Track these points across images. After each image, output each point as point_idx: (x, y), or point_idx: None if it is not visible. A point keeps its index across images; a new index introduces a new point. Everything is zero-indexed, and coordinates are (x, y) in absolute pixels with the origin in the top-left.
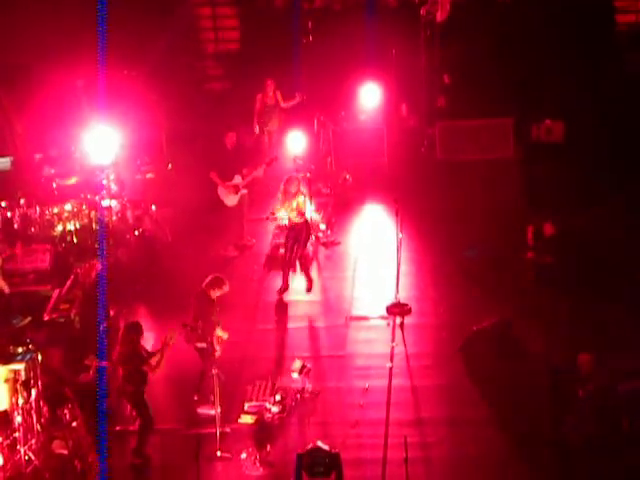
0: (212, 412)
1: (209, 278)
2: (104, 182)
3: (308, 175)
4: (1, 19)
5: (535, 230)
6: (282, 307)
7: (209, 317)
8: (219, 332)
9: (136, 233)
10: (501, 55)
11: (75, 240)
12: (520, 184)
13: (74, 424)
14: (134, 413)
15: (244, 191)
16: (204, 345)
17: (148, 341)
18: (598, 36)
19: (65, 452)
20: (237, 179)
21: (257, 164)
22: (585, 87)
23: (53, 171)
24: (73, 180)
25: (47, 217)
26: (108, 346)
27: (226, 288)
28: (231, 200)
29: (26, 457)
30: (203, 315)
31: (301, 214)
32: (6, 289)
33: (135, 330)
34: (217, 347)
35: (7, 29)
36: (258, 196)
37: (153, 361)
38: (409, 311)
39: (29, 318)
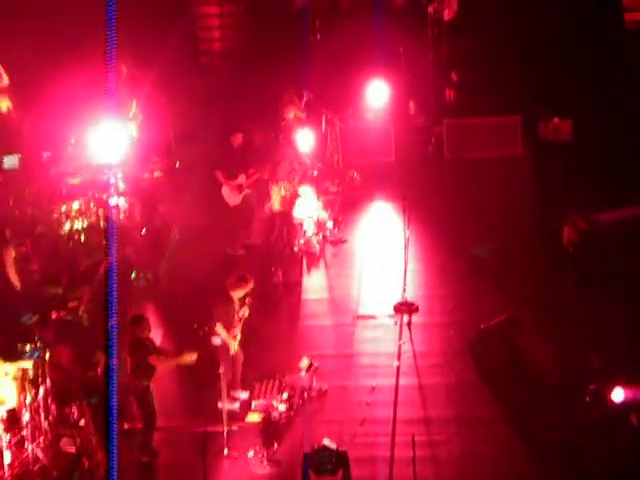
0: (235, 406)
1: (233, 278)
2: (112, 180)
3: (315, 173)
4: (9, 19)
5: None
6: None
7: (229, 315)
8: (237, 331)
9: (143, 231)
10: (509, 53)
11: (83, 238)
12: (528, 182)
13: (82, 422)
14: (139, 409)
15: (247, 191)
16: (219, 341)
17: (156, 337)
18: (606, 34)
19: (73, 450)
20: (241, 179)
21: (264, 164)
22: (593, 85)
23: (61, 169)
24: (81, 178)
25: (55, 215)
26: (116, 343)
27: (249, 288)
28: (234, 199)
29: (34, 455)
30: (222, 313)
31: (286, 201)
32: (17, 285)
33: (138, 322)
34: (232, 343)
35: (14, 28)
36: (267, 195)
37: (159, 358)
38: (417, 309)
39: (37, 316)
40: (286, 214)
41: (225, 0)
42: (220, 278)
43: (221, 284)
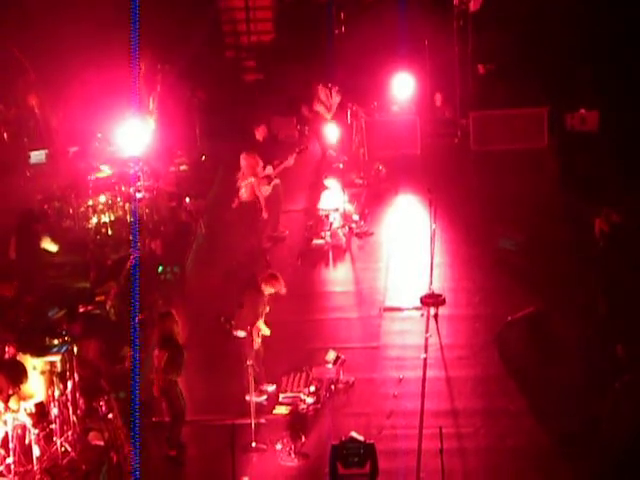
0: (262, 399)
1: (267, 273)
2: (138, 174)
3: (341, 166)
4: (36, 15)
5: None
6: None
7: (256, 307)
8: (261, 324)
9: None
10: (535, 44)
11: (110, 232)
12: (555, 174)
13: (110, 416)
14: (166, 403)
15: (277, 181)
16: (243, 334)
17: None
18: (632, 23)
19: (101, 443)
20: (269, 169)
21: (288, 154)
22: (620, 76)
23: (88, 163)
24: (108, 172)
25: (82, 209)
26: (143, 337)
27: (281, 289)
28: (264, 191)
29: (62, 449)
30: (250, 304)
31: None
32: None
33: (168, 318)
34: (256, 339)
35: (42, 24)
36: (291, 188)
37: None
38: (443, 302)
39: (64, 310)
40: (251, 204)
41: None
42: (247, 271)
43: (248, 277)
